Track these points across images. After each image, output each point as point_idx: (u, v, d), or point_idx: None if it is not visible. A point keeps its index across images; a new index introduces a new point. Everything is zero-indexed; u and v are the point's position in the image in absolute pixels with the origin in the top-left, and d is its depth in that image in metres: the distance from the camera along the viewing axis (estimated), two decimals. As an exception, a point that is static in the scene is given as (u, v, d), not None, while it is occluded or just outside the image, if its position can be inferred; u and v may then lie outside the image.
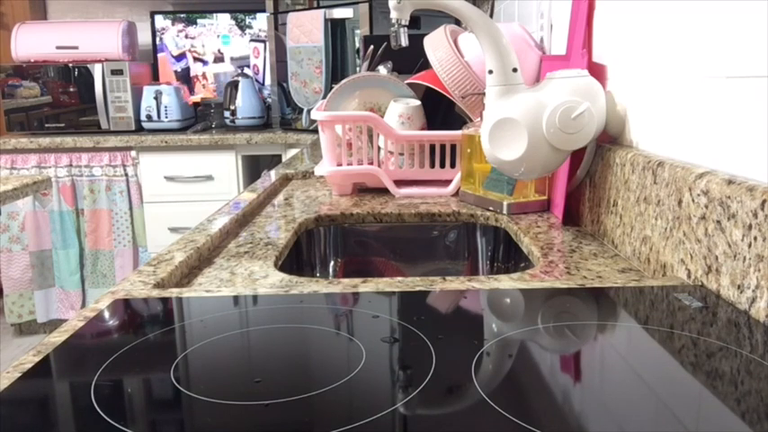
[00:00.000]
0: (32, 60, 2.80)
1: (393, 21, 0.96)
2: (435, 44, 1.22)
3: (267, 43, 3.00)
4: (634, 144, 0.86)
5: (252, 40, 3.16)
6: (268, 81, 2.99)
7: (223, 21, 3.16)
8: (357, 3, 2.42)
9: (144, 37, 3.09)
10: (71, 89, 2.77)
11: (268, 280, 0.75)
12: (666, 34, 0.76)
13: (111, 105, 2.77)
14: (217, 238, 0.92)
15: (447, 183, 1.25)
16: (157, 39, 3.11)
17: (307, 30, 2.52)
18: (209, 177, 2.71)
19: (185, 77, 3.18)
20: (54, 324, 2.83)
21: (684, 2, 0.71)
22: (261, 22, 3.15)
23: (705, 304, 0.59)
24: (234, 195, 2.64)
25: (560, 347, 0.52)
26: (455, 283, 0.68)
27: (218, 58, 3.22)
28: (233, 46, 3.20)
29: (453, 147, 1.24)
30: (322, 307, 0.62)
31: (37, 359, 0.51)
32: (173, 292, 0.66)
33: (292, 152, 2.63)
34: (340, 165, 1.25)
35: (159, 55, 3.13)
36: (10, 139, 2.70)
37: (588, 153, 0.95)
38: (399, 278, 0.72)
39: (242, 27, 3.16)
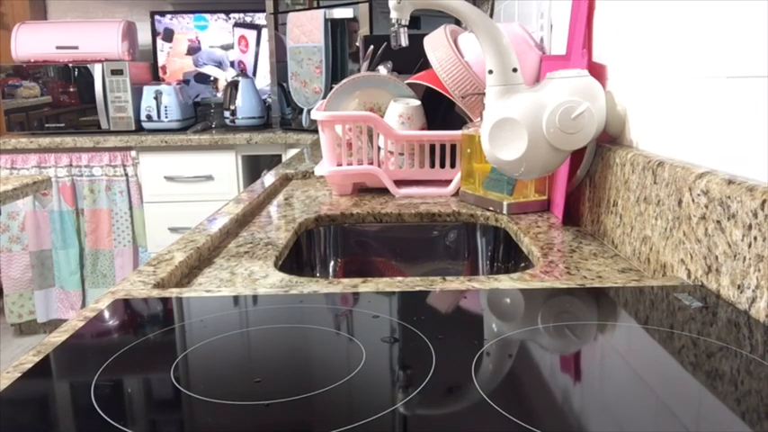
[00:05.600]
0: (32, 60, 2.80)
1: (393, 21, 0.96)
2: (435, 44, 1.22)
3: (265, 31, 2.55)
4: (634, 144, 0.86)
5: (237, 25, 2.77)
6: (260, 84, 2.80)
7: None
8: (357, 3, 2.42)
9: (144, 37, 3.09)
10: (71, 89, 2.77)
11: (268, 280, 0.75)
12: (666, 34, 0.76)
13: (111, 105, 2.76)
14: (217, 238, 0.92)
15: (447, 183, 1.25)
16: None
17: (307, 30, 2.52)
18: (210, 177, 2.71)
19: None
20: (54, 324, 2.83)
21: (684, 2, 0.71)
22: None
23: (705, 304, 0.59)
24: (234, 195, 2.64)
25: (560, 347, 0.52)
26: (455, 283, 0.68)
27: (194, 49, 2.83)
28: (211, 32, 2.82)
29: (453, 147, 1.24)
30: (322, 307, 0.62)
31: (37, 359, 0.51)
32: (173, 292, 0.66)
33: (292, 152, 2.63)
34: (340, 165, 1.25)
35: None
36: (10, 139, 2.70)
37: (588, 153, 0.95)
38: (399, 278, 0.72)
39: (227, 11, 2.73)
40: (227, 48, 2.85)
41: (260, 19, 2.77)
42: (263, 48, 2.73)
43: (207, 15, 2.93)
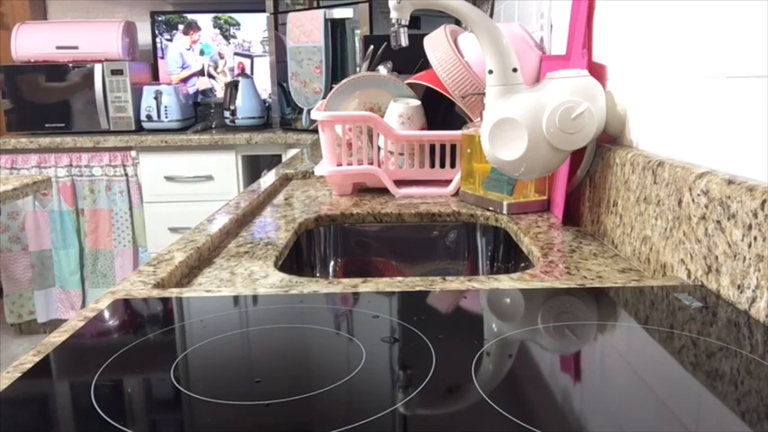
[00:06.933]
0: (32, 60, 2.80)
1: (393, 21, 0.96)
2: (435, 44, 1.22)
3: (258, 59, 3.01)
4: (634, 144, 0.86)
5: (236, 54, 3.09)
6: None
7: (205, 27, 3.07)
8: (357, 3, 2.42)
9: (144, 37, 3.09)
10: (71, 89, 2.77)
11: (268, 280, 0.75)
12: (666, 34, 0.76)
13: (111, 105, 2.77)
14: (217, 238, 0.92)
15: (447, 183, 1.25)
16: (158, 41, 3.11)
17: (307, 30, 2.52)
18: (210, 177, 2.71)
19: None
20: (54, 324, 2.83)
21: (684, 2, 0.71)
22: (245, 32, 3.07)
23: (705, 304, 0.59)
24: (234, 195, 2.64)
25: (560, 347, 0.52)
26: (455, 283, 0.68)
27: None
28: (218, 61, 3.15)
29: (453, 147, 1.24)
30: (322, 307, 0.62)
31: (37, 359, 0.51)
32: (173, 292, 0.66)
33: (292, 152, 2.63)
34: (340, 165, 1.25)
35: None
36: (10, 139, 2.70)
37: (588, 153, 0.95)
38: (399, 278, 0.72)
39: (226, 36, 3.07)
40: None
41: (255, 46, 3.11)
42: (255, 72, 3.12)
43: (210, 43, 3.13)
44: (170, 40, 3.09)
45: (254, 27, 3.09)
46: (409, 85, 1.31)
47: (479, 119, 1.12)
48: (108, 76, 2.74)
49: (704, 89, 0.67)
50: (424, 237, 1.11)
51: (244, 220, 1.06)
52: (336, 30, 2.53)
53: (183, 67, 3.11)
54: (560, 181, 1.02)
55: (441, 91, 1.21)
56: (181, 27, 3.08)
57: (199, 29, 3.08)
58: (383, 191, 1.26)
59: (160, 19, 3.08)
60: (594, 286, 0.67)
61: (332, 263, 1.11)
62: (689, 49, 0.70)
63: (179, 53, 3.11)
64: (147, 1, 3.15)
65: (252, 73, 3.07)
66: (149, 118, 2.80)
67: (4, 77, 2.76)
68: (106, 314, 0.61)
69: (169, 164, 2.70)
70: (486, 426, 0.40)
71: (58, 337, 0.56)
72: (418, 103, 1.27)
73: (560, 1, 1.19)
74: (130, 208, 2.73)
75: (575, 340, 0.53)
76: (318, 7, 2.54)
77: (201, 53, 3.13)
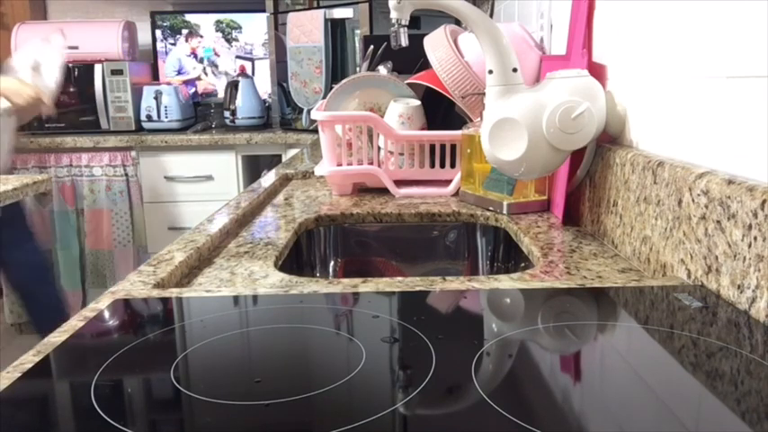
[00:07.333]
0: (32, 60, 2.80)
1: (393, 21, 0.96)
2: (435, 44, 1.22)
3: (258, 62, 3.05)
4: (634, 144, 0.86)
5: (237, 57, 3.11)
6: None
7: (207, 32, 3.09)
8: (357, 3, 2.42)
9: (144, 37, 3.09)
10: (71, 89, 2.77)
11: (268, 280, 0.75)
12: (666, 34, 0.76)
13: (111, 105, 2.76)
14: (217, 238, 0.92)
15: (447, 183, 1.25)
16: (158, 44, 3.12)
17: (307, 30, 2.52)
18: (210, 177, 2.71)
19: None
20: (54, 324, 2.83)
21: (684, 2, 0.71)
22: (247, 35, 3.09)
23: (705, 304, 0.59)
24: (234, 195, 2.64)
25: (560, 347, 0.52)
26: (455, 283, 0.68)
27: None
28: (217, 61, 3.16)
29: (453, 147, 1.24)
30: (322, 307, 0.62)
31: (37, 359, 0.51)
32: (173, 292, 0.66)
33: (292, 152, 2.63)
34: (340, 165, 1.25)
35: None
36: (10, 139, 2.70)
37: (588, 153, 0.95)
38: (399, 278, 0.72)
39: (228, 40, 3.09)
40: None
41: (256, 48, 3.13)
42: (256, 74, 3.12)
43: (211, 46, 3.14)
44: (174, 45, 3.09)
45: (255, 30, 3.10)
46: (409, 85, 1.31)
47: (479, 119, 1.12)
48: (108, 76, 2.74)
49: (704, 89, 0.67)
50: (424, 237, 1.11)
51: (244, 220, 1.06)
52: (336, 30, 2.53)
53: (181, 72, 3.12)
54: (560, 181, 1.02)
55: (441, 91, 1.21)
56: (185, 32, 3.09)
57: (201, 36, 3.09)
58: (383, 191, 1.26)
59: (165, 24, 3.08)
60: (594, 286, 0.67)
61: (332, 263, 1.11)
62: (689, 49, 0.70)
63: (177, 58, 3.13)
64: (147, 1, 3.15)
65: (253, 75, 3.09)
66: (149, 118, 2.80)
67: (4, 77, 2.75)
68: (106, 314, 0.61)
69: (169, 164, 2.70)
70: (486, 426, 0.40)
71: (58, 337, 0.56)
72: (418, 103, 1.27)
73: (560, 1, 1.19)
74: (130, 208, 2.73)
75: (575, 340, 0.54)
76: (318, 7, 2.54)
77: (201, 60, 3.14)
